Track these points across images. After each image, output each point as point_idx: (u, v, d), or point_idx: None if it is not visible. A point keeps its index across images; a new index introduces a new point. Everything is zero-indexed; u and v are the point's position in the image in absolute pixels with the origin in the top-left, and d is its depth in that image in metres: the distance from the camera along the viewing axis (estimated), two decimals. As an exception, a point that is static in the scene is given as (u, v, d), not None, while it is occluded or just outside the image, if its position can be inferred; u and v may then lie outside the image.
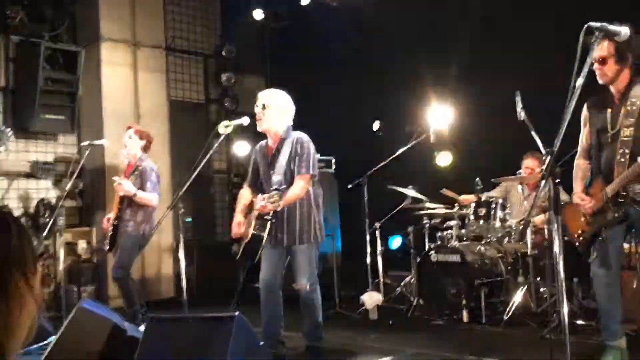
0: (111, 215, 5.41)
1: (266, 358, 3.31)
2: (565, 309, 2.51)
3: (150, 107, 7.48)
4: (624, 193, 3.22)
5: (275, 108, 4.17)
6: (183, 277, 4.17)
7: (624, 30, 2.66)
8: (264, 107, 4.15)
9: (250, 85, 8.37)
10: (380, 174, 6.22)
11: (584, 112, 3.61)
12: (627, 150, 3.25)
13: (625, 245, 4.10)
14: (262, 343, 3.97)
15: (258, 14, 7.76)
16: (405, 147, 6.09)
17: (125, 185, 5.10)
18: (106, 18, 7.15)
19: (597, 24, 2.60)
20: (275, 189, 3.72)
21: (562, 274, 2.52)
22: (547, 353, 3.02)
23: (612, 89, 3.42)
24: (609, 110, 3.41)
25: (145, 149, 5.42)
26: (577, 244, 3.46)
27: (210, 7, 8.43)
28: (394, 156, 6.09)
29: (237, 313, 2.88)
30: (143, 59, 7.47)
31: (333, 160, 7.25)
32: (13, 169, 6.69)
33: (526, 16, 5.80)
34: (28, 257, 1.13)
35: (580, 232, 3.49)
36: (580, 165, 3.64)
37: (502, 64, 6.08)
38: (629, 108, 3.29)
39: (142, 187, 5.23)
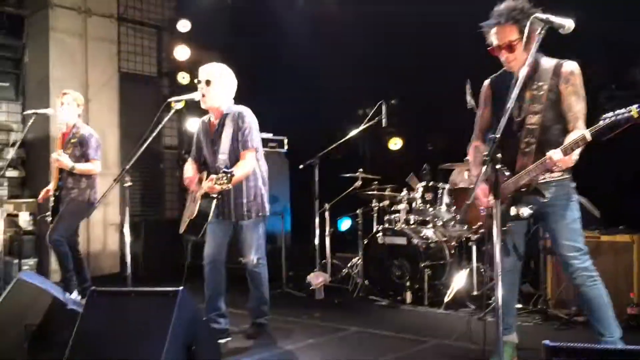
0: (51, 186, 5.30)
1: (209, 333, 3.31)
2: (499, 292, 2.59)
3: (100, 77, 7.29)
4: (528, 184, 3.01)
5: (219, 84, 4.09)
6: (127, 251, 4.10)
7: (568, 23, 2.66)
8: (207, 83, 4.08)
9: (204, 60, 8.20)
10: (333, 155, 6.26)
11: (485, 89, 3.32)
12: (532, 140, 3.01)
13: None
14: (205, 318, 3.97)
15: (214, -11, 7.63)
16: (357, 130, 6.13)
17: (62, 160, 5.01)
18: (56, -17, 6.91)
19: (543, 16, 2.64)
20: (224, 171, 3.68)
21: (497, 258, 2.60)
22: (482, 334, 3.13)
23: (516, 72, 3.05)
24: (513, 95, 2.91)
25: (80, 115, 5.34)
26: (476, 235, 3.30)
27: (166, -21, 8.24)
28: (345, 139, 6.13)
29: (180, 288, 2.87)
30: (93, 28, 7.26)
31: (285, 140, 7.25)
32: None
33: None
34: None
35: (481, 224, 3.28)
36: (479, 148, 3.36)
37: (454, 52, 6.18)
38: (535, 92, 3.03)
39: (83, 155, 5.14)
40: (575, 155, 2.83)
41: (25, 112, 5.82)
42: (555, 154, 2.79)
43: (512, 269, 3.27)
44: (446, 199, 5.51)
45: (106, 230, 7.32)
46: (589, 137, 2.69)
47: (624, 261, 4.30)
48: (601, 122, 2.63)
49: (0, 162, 6.70)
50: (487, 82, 3.32)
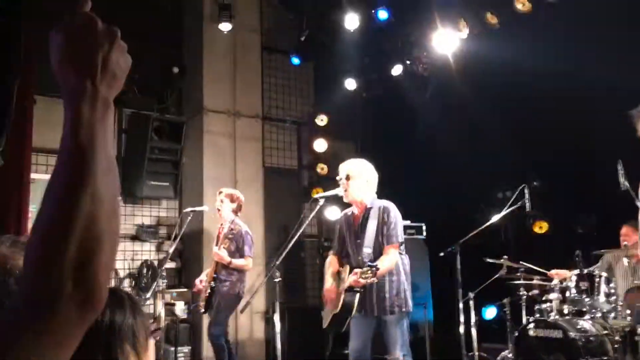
0: (203, 277, 5.67)
1: None
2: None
3: (247, 173, 7.82)
4: None
5: (359, 178, 4.24)
6: (278, 342, 4.23)
7: None
8: (347, 177, 4.23)
9: (341, 151, 8.56)
10: (473, 241, 6.11)
11: None
12: None
13: None
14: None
15: (350, 84, 8.01)
16: (500, 215, 5.95)
17: (221, 254, 5.37)
18: (209, 91, 7.66)
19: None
20: (369, 265, 3.76)
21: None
22: None
23: None
24: None
25: (237, 211, 5.66)
26: None
27: (305, 77, 8.81)
28: (488, 224, 5.96)
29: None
30: (241, 128, 7.89)
31: (424, 227, 7.21)
32: (121, 232, 7.12)
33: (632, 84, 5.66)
34: (140, 335, 1.22)
35: None
36: None
37: (603, 131, 5.92)
38: None
39: (238, 250, 5.47)
40: None
41: (184, 210, 6.35)
42: None
43: None
44: (604, 288, 5.11)
45: (252, 319, 7.58)
46: None
47: None
48: None
49: (161, 254, 7.31)
50: None
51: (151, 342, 1.28)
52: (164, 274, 5.78)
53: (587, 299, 5.14)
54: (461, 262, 5.99)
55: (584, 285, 5.15)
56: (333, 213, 7.81)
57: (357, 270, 3.87)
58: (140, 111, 7.28)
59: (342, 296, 4.08)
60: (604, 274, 5.15)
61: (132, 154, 7.21)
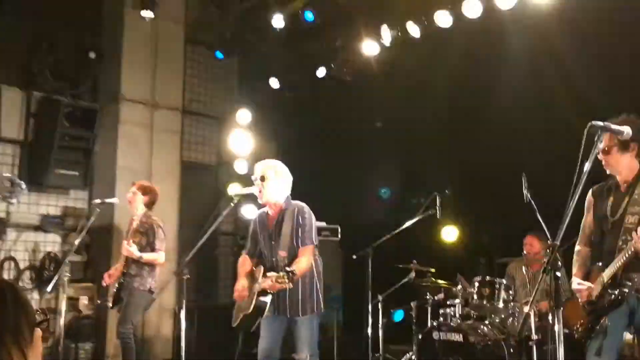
0: (112, 271, 5.49)
1: None
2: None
3: (163, 166, 7.62)
4: (626, 281, 3.15)
5: (274, 179, 4.22)
6: (183, 341, 4.16)
7: (626, 130, 2.74)
8: (262, 178, 4.20)
9: (261, 150, 8.51)
10: (386, 244, 6.25)
11: (589, 197, 3.57)
12: (629, 238, 3.19)
13: (629, 336, 4.01)
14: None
15: (274, 83, 7.98)
16: (412, 221, 6.12)
17: (131, 250, 5.21)
18: (127, 79, 7.39)
19: (600, 124, 2.69)
20: (286, 270, 3.75)
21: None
22: None
23: (618, 178, 3.41)
24: (610, 199, 3.40)
25: (149, 204, 5.51)
26: (576, 335, 3.37)
27: (229, 73, 8.69)
28: (399, 229, 6.12)
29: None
30: (159, 120, 7.66)
31: (339, 229, 7.29)
32: (23, 221, 6.78)
33: (537, 103, 5.97)
34: (23, 327, 1.14)
35: (580, 322, 3.39)
36: (581, 252, 3.59)
37: (510, 145, 6.21)
38: (636, 197, 3.28)
39: (149, 244, 5.32)
40: None
41: (93, 202, 6.09)
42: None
43: None
44: (503, 295, 5.36)
45: (160, 316, 7.39)
46: None
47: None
48: None
49: (67, 246, 6.99)
50: (590, 191, 3.56)
51: (37, 334, 1.21)
52: (68, 267, 5.50)
53: (487, 304, 5.38)
54: (373, 266, 6.12)
55: (485, 291, 5.38)
56: (250, 211, 7.75)
57: (273, 274, 3.85)
58: (52, 95, 6.92)
59: (255, 298, 4.05)
60: (503, 282, 5.40)
61: (40, 139, 6.84)
